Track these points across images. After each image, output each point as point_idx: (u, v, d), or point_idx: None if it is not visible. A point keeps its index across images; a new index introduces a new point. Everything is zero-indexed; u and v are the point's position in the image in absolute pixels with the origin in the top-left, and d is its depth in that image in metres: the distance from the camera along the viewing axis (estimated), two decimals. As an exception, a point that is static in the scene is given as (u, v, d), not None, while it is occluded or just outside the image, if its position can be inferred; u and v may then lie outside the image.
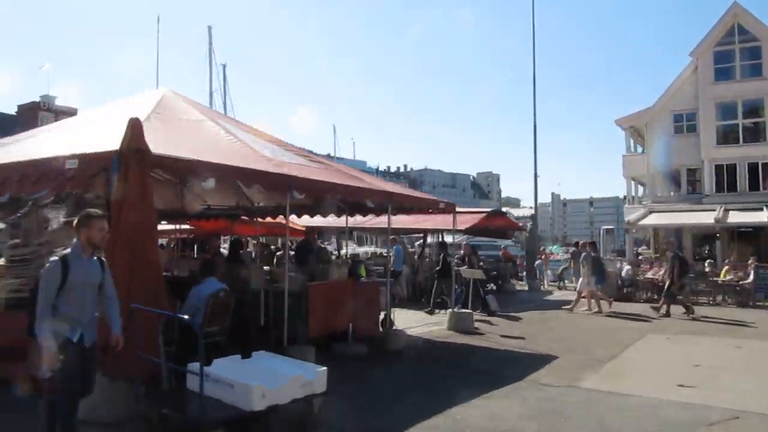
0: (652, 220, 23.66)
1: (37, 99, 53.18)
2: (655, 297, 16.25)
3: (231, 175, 6.32)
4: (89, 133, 6.93)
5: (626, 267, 17.60)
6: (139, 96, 9.10)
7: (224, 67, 40.23)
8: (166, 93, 8.98)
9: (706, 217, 22.72)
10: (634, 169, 29.25)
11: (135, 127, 5.38)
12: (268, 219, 13.16)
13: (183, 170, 5.79)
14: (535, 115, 23.37)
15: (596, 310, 14.13)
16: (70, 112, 54.25)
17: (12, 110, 53.01)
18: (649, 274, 17.25)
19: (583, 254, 15.81)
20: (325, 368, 5.01)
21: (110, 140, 5.91)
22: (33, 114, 51.50)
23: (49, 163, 5.74)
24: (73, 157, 5.59)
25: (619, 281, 17.50)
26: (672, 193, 28.22)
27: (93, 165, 5.48)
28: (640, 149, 30.50)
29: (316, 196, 7.57)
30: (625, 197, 34.18)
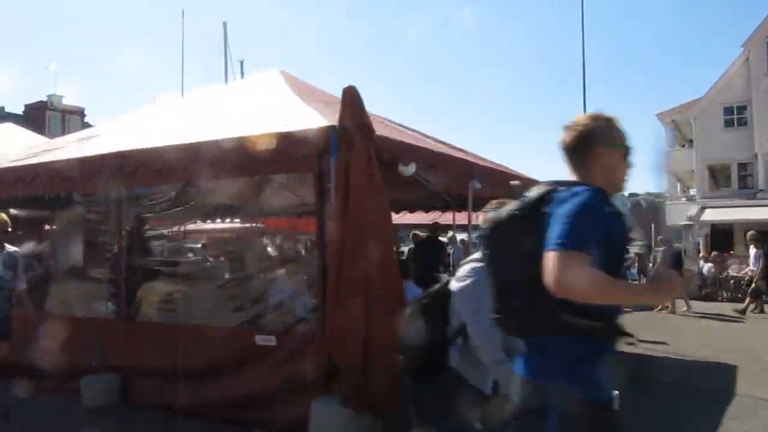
0: (710, 216, 22.85)
1: (44, 98, 51.86)
2: (739, 296, 15.47)
3: (430, 161, 5.34)
4: (245, 116, 5.89)
5: (707, 265, 16.74)
6: (255, 77, 8.01)
7: (242, 63, 38.88)
8: (282, 73, 7.97)
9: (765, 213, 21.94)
10: (676, 165, 28.49)
11: (354, 98, 4.38)
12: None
13: (395, 153, 4.79)
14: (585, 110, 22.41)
15: (674, 309, 13.37)
16: (78, 112, 53.17)
17: (17, 110, 51.58)
18: (733, 272, 16.42)
19: (662, 249, 15.00)
20: (617, 391, 4.02)
21: (300, 118, 4.95)
22: (41, 113, 50.14)
23: (235, 144, 4.75)
24: (271, 136, 4.59)
25: (700, 280, 16.66)
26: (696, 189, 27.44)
27: (301, 144, 4.48)
28: (677, 144, 29.77)
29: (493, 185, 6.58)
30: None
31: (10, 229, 5.07)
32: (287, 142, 4.50)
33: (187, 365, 4.94)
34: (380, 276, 4.11)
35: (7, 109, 50.69)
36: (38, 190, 6.14)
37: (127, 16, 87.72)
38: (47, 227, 11.08)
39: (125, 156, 5.34)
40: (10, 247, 5.05)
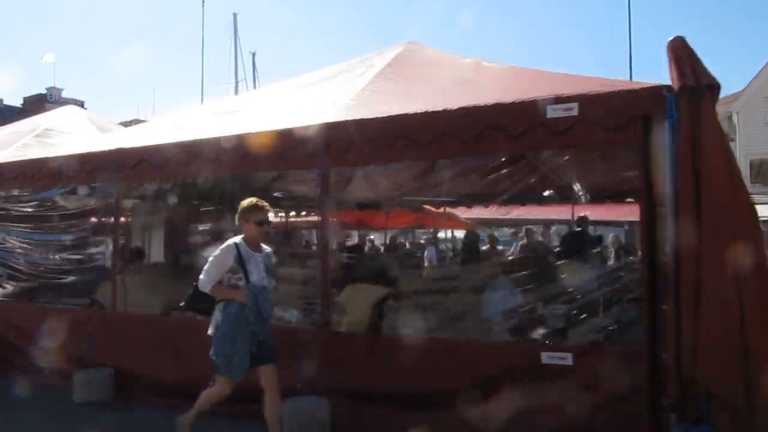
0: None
1: (43, 91, 50.23)
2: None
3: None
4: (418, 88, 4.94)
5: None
6: (387, 51, 6.95)
7: (254, 55, 37.52)
8: (413, 44, 6.96)
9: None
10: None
11: (690, 51, 3.42)
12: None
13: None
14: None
15: None
16: (78, 105, 51.53)
17: (16, 102, 49.88)
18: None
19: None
20: None
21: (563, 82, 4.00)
22: (39, 106, 48.22)
23: (496, 111, 3.79)
24: (563, 99, 3.63)
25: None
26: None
27: (615, 110, 3.52)
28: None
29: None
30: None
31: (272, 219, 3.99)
32: (594, 106, 3.54)
33: (434, 389, 3.96)
34: (755, 280, 3.17)
35: (6, 102, 49.07)
36: (210, 171, 5.09)
37: (125, 10, 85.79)
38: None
39: (335, 128, 4.33)
40: (266, 247, 3.98)
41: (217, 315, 3.81)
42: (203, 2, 32.88)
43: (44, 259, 6.04)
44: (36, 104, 48.92)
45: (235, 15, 43.58)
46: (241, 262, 3.74)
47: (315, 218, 11.55)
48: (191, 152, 4.91)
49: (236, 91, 39.21)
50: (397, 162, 4.66)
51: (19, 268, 6.05)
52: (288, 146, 4.52)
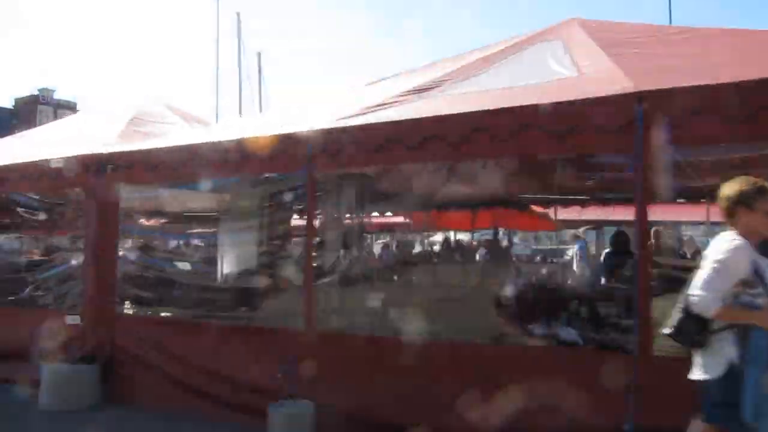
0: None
1: (35, 92, 48.53)
2: None
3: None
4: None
5: None
6: (564, 26, 6.03)
7: (259, 55, 36.30)
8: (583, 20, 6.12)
9: None
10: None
11: None
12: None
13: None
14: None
15: None
16: (70, 106, 49.73)
17: (6, 103, 48.11)
18: None
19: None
20: None
21: None
22: (32, 107, 46.94)
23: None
24: None
25: None
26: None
27: None
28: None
29: None
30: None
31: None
32: None
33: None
34: None
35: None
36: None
37: (119, 10, 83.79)
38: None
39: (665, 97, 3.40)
40: None
41: (727, 352, 2.58)
42: (218, 2, 31.01)
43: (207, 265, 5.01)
44: (28, 105, 47.34)
45: (238, 14, 42.44)
46: (757, 268, 2.59)
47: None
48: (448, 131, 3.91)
49: (239, 93, 37.90)
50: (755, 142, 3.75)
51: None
52: (573, 123, 3.58)
